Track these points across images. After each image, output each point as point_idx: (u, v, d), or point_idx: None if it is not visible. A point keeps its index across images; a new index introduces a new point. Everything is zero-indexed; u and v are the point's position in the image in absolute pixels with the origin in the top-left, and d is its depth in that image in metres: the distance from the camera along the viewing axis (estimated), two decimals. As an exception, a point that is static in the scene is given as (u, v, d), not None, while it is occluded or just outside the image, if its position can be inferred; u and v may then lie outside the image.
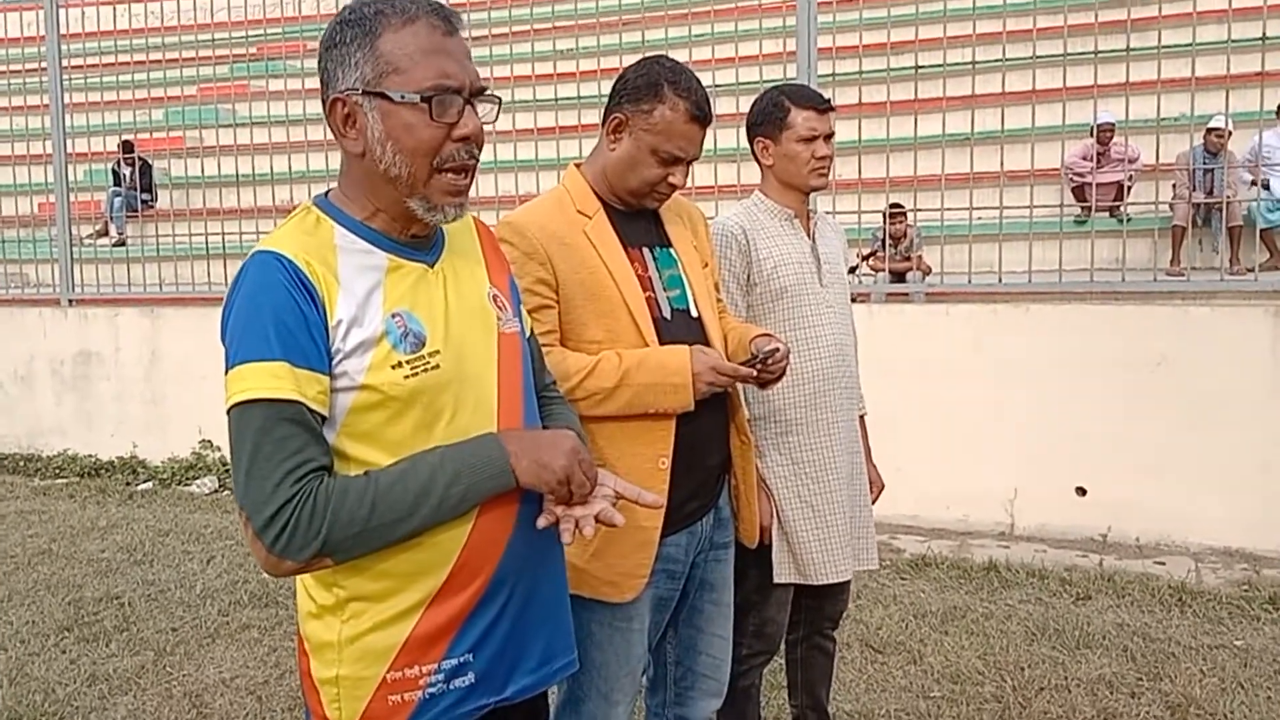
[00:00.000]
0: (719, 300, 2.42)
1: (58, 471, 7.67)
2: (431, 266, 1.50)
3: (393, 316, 1.41)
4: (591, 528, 1.48)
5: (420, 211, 1.43)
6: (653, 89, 2.08)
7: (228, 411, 1.34)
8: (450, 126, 1.40)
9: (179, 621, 4.38)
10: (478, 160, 1.47)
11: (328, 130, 1.46)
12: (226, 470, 7.10)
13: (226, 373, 1.34)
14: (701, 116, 2.10)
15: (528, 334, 1.68)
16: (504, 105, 1.51)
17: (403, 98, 1.38)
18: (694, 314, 2.20)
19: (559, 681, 1.64)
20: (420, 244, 1.50)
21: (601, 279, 2.08)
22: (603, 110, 2.19)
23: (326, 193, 1.52)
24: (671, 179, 2.13)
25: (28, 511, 6.43)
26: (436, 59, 1.39)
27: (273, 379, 1.31)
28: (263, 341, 1.32)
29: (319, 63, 1.45)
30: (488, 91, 1.46)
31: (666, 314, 2.15)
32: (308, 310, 1.35)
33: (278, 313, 1.33)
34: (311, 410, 1.33)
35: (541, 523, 1.48)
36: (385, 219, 1.47)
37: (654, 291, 2.15)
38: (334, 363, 1.37)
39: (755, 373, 2.12)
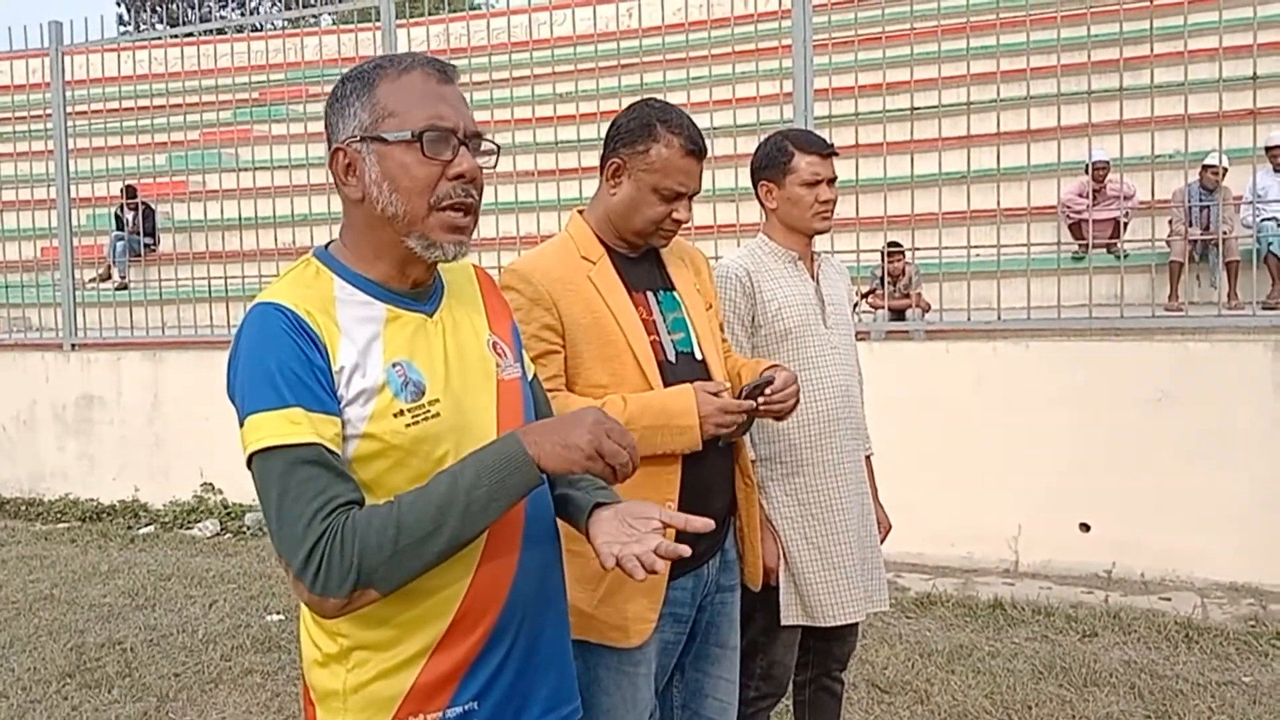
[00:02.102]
0: (724, 341, 2.44)
1: (59, 516, 7.65)
2: (430, 316, 1.51)
3: (393, 366, 1.42)
4: (663, 565, 1.45)
5: (419, 249, 1.44)
6: (646, 129, 2.12)
7: (248, 462, 1.34)
8: (445, 164, 1.42)
9: (181, 667, 4.36)
10: (477, 201, 1.48)
11: (329, 174, 1.49)
12: (228, 513, 7.10)
13: (241, 425, 1.34)
14: (697, 150, 2.14)
15: (529, 379, 1.68)
16: (506, 148, 1.53)
17: (396, 138, 1.41)
18: (698, 356, 2.22)
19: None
20: (419, 294, 1.51)
21: (606, 323, 2.10)
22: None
23: (327, 245, 1.54)
24: (676, 215, 2.15)
25: (29, 556, 6.40)
26: (430, 103, 1.43)
27: (289, 424, 1.32)
28: (272, 390, 1.33)
29: (325, 120, 1.49)
30: (485, 137, 1.49)
31: (671, 357, 2.17)
32: (312, 355, 1.36)
33: (283, 360, 1.34)
34: (330, 451, 1.34)
35: (609, 564, 1.45)
36: (385, 267, 1.47)
37: (658, 335, 2.17)
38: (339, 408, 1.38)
39: (755, 405, 2.13)
